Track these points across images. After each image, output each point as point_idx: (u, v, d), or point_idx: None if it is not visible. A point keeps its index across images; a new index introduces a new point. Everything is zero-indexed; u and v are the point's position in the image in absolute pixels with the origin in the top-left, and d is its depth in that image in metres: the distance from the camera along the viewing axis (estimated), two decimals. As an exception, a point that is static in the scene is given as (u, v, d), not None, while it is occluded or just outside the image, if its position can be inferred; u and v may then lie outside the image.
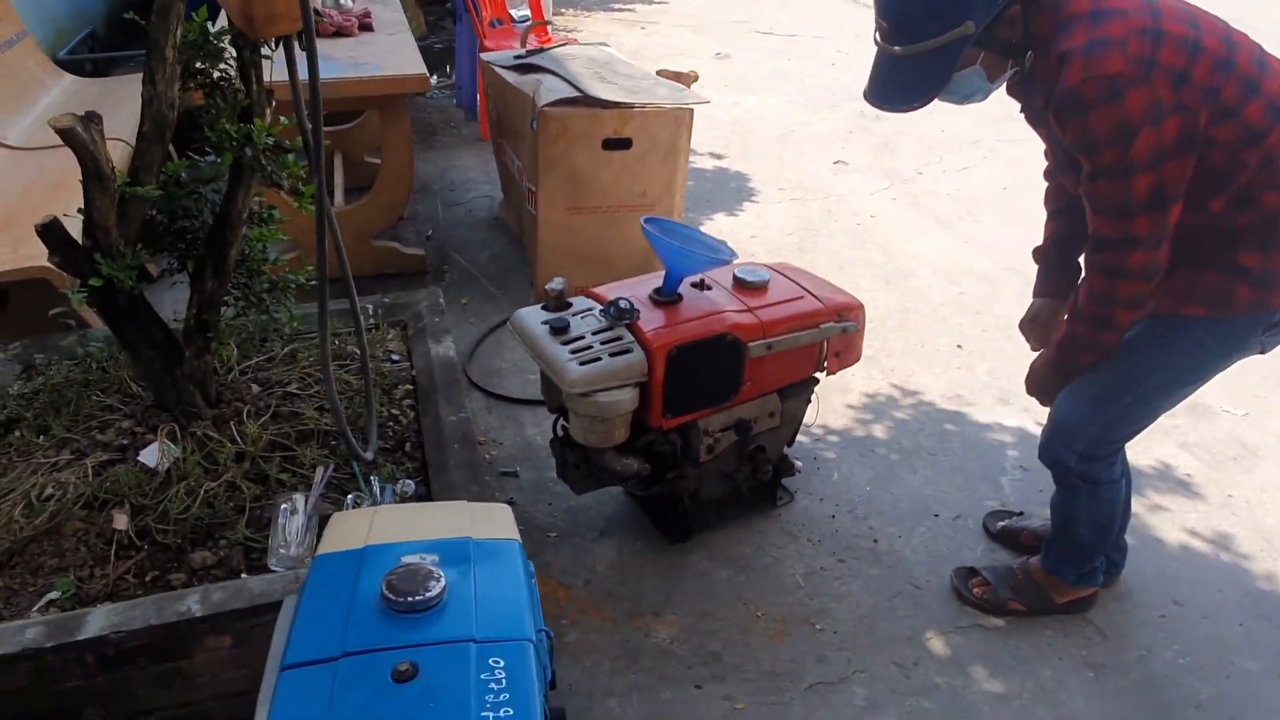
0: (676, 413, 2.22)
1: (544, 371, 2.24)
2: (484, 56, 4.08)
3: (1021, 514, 2.60)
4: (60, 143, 1.86)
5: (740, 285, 2.37)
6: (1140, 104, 1.63)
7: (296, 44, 1.91)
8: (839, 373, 2.51)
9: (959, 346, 3.50)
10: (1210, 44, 1.67)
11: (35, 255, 2.79)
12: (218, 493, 2.11)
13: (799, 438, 2.79)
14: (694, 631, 2.26)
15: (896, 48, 1.74)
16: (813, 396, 2.52)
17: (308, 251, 2.49)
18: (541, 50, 3.93)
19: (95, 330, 2.72)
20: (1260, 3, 7.82)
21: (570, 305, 2.29)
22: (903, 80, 1.77)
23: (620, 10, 8.56)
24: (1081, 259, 2.04)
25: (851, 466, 2.85)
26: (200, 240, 2.21)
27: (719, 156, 5.30)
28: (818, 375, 2.48)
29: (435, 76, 6.15)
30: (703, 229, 2.43)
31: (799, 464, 2.74)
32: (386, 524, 1.61)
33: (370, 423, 2.25)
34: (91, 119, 1.83)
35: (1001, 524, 2.56)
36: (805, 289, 2.41)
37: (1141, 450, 2.86)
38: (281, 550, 2.00)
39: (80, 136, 1.79)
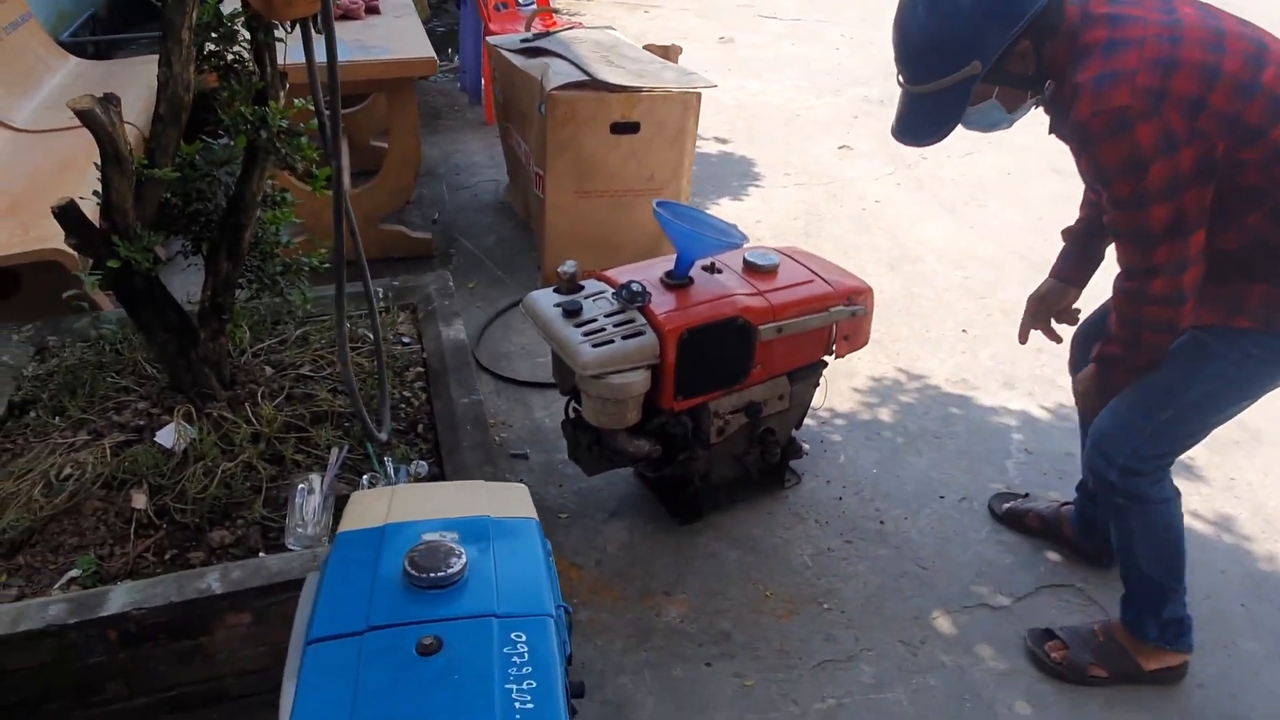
0: (687, 395, 2.24)
1: (556, 354, 2.26)
2: (490, 40, 4.08)
3: (1027, 496, 2.63)
4: (66, 126, 1.88)
5: (750, 269, 2.39)
6: (1150, 136, 1.61)
7: (312, 26, 1.92)
8: (846, 356, 2.53)
9: (964, 331, 3.52)
10: (1231, 67, 1.62)
11: (47, 238, 2.81)
12: (235, 473, 2.14)
13: (806, 421, 2.82)
14: (704, 611, 2.29)
15: (912, 86, 1.81)
16: (821, 380, 2.54)
17: (318, 235, 2.51)
18: (548, 34, 3.93)
19: (108, 313, 2.74)
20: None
21: (582, 288, 2.31)
22: (921, 116, 1.83)
23: (623, -7, 8.53)
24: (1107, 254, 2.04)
25: (858, 449, 2.87)
26: (214, 223, 2.22)
27: (724, 141, 5.30)
28: (826, 359, 2.50)
29: (439, 60, 6.12)
30: (709, 213, 2.43)
31: (806, 447, 2.76)
32: (405, 503, 1.64)
33: (384, 404, 2.27)
34: (110, 100, 1.84)
35: (1007, 506, 2.59)
36: (815, 273, 2.43)
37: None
38: (299, 530, 2.02)
39: (99, 118, 1.80)
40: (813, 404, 2.63)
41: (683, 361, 2.17)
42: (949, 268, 3.94)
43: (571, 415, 2.42)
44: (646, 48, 3.83)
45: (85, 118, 1.80)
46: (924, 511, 2.64)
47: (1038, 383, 3.19)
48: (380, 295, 2.92)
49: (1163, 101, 1.60)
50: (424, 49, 3.55)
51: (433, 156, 4.81)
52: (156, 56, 1.96)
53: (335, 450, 2.21)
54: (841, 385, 3.14)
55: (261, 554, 2.02)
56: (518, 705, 1.25)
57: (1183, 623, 2.09)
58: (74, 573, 1.95)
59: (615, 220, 3.54)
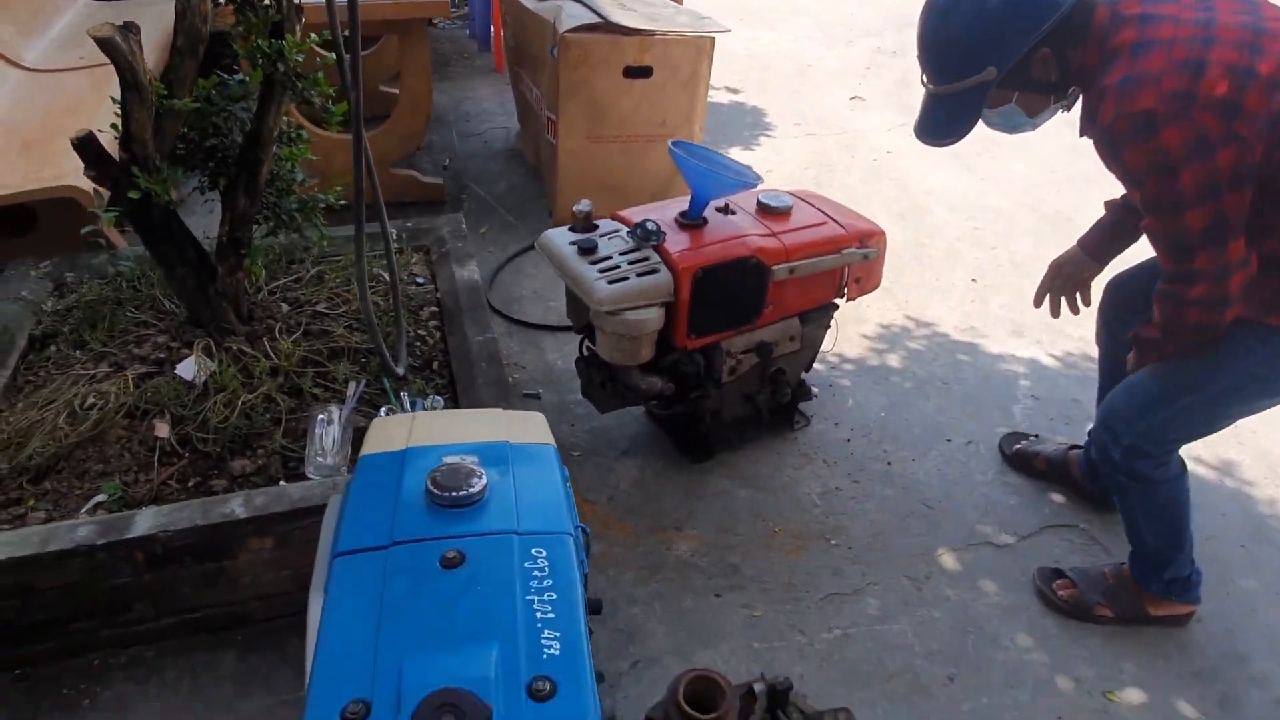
0: (701, 333, 2.27)
1: (571, 291, 2.28)
2: (501, -17, 4.04)
3: (1037, 437, 2.66)
4: (77, 65, 1.87)
5: (764, 210, 2.39)
6: (1178, 140, 1.56)
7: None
8: (855, 303, 2.55)
9: (973, 280, 3.53)
10: (1265, 69, 1.56)
11: (62, 174, 2.82)
12: (254, 405, 2.17)
13: (815, 366, 2.84)
14: (714, 546, 2.34)
15: (932, 86, 1.83)
16: (832, 322, 2.56)
17: (330, 175, 2.52)
18: (560, -23, 3.88)
19: (125, 250, 2.76)
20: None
21: (597, 227, 2.32)
22: (940, 116, 1.85)
23: (633, -58, 8.38)
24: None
25: (866, 394, 2.90)
26: (231, 159, 2.23)
27: (735, 91, 5.26)
28: (837, 301, 2.52)
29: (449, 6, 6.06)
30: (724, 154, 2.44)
31: (816, 390, 2.79)
32: (426, 428, 1.67)
33: (400, 340, 2.30)
34: (130, 29, 1.84)
35: (1017, 447, 2.61)
36: (828, 215, 2.44)
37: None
38: (319, 459, 2.06)
39: (120, 46, 1.81)
40: (823, 348, 2.66)
41: (696, 300, 2.19)
42: (960, 218, 3.93)
43: (585, 353, 2.44)
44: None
45: (105, 45, 1.81)
46: (931, 454, 2.68)
47: (1046, 331, 3.21)
48: (394, 237, 2.94)
49: (1192, 104, 1.55)
50: (435, -11, 3.52)
51: (442, 104, 4.79)
52: (168, -4, 1.96)
53: (353, 384, 2.24)
54: (851, 332, 3.17)
55: (282, 482, 2.06)
56: (539, 614, 1.30)
57: (1188, 579, 2.12)
58: (100, 498, 2.00)
59: (627, 166, 3.54)
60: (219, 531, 1.89)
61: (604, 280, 2.13)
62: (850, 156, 4.52)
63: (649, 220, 2.23)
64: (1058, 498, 2.53)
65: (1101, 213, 2.21)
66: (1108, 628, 2.16)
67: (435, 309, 2.68)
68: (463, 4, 6.13)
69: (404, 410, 2.22)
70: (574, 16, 3.33)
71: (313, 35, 2.21)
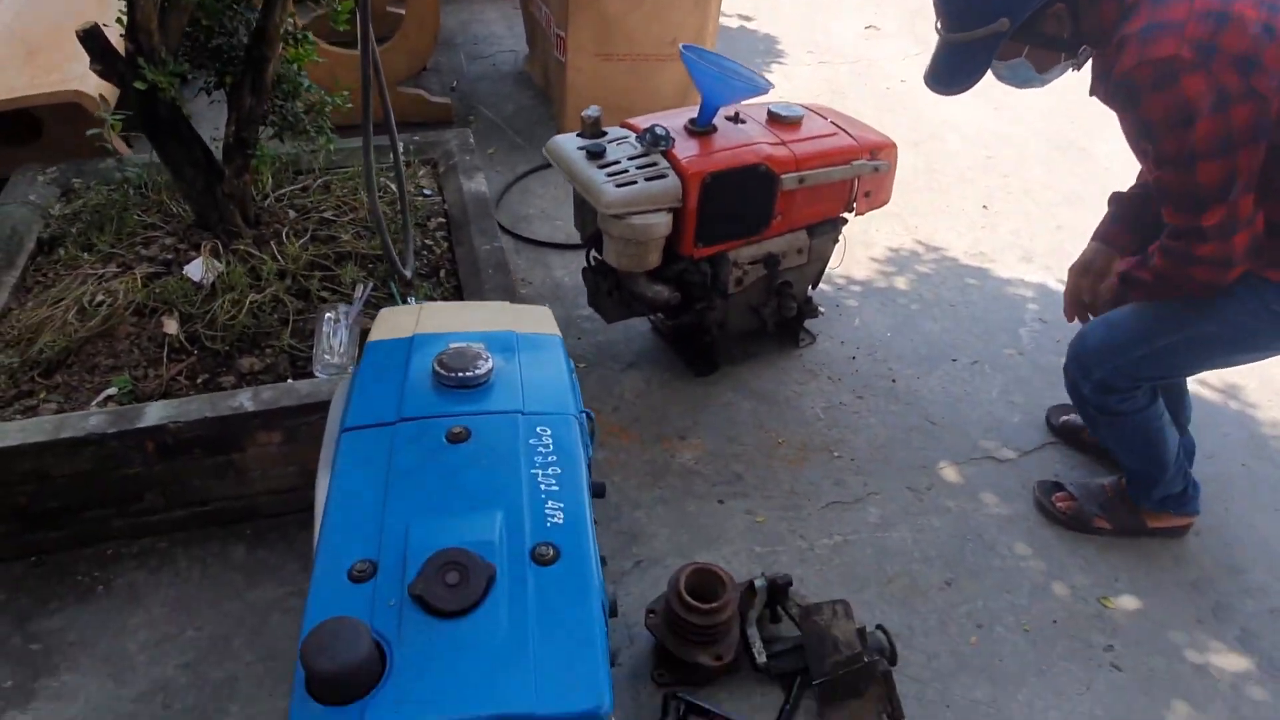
0: (708, 242, 2.26)
1: (578, 197, 2.27)
2: (511, -102, 3.94)
3: None
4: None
5: (775, 120, 2.37)
6: (1198, 89, 1.54)
7: None
8: (863, 227, 2.53)
9: (984, 207, 3.50)
10: None
11: (67, 80, 2.80)
12: (262, 305, 2.18)
13: (822, 286, 2.84)
14: (718, 454, 2.36)
15: (944, 33, 1.81)
16: (840, 238, 2.55)
17: (338, 91, 2.49)
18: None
19: (132, 156, 2.75)
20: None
21: (605, 133, 2.30)
22: (950, 64, 1.82)
23: None
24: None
25: (873, 314, 2.90)
26: (238, 58, 2.21)
27: (747, 18, 5.16)
28: (846, 215, 2.50)
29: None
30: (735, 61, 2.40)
31: (822, 309, 2.79)
32: (433, 317, 1.68)
33: (407, 242, 2.30)
34: (132, -89, 1.81)
35: (1064, 418, 2.51)
36: (839, 126, 2.41)
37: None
38: (326, 358, 2.08)
39: (122, -72, 1.77)
40: (830, 265, 2.65)
41: (704, 206, 2.17)
42: (973, 146, 3.88)
43: (592, 262, 2.44)
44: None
45: (108, -73, 1.78)
46: (936, 372, 2.68)
47: (1055, 256, 3.19)
48: (402, 150, 2.91)
49: (1212, 55, 1.54)
50: (443, -99, 3.44)
51: (450, 26, 4.71)
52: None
53: (360, 286, 2.25)
54: (859, 254, 3.15)
55: (290, 380, 2.08)
56: (543, 486, 1.32)
57: (1183, 494, 2.13)
58: (110, 391, 2.02)
59: (635, 85, 3.49)
60: (228, 424, 1.91)
61: (612, 184, 2.11)
62: (863, 85, 4.44)
63: (658, 125, 2.20)
64: (1065, 416, 2.53)
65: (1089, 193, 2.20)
66: (1105, 539, 2.18)
67: (443, 220, 2.67)
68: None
69: (411, 314, 2.23)
70: (585, -71, 3.26)
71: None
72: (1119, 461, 2.16)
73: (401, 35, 3.64)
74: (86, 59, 2.05)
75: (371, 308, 2.27)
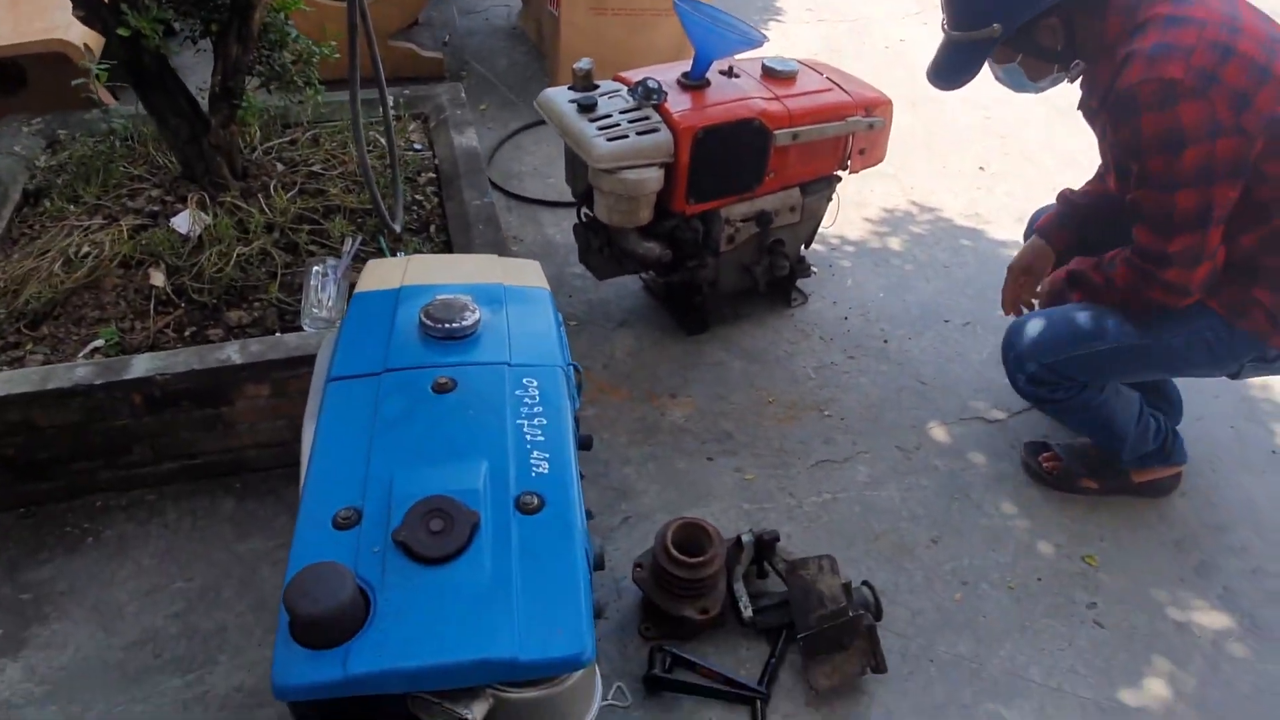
0: (700, 198, 2.24)
1: (570, 152, 2.24)
2: None
3: None
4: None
5: (769, 74, 2.34)
6: (1194, 117, 1.58)
7: None
8: (857, 187, 2.50)
9: (980, 168, 3.47)
10: None
11: (51, 29, 2.75)
12: (250, 258, 2.17)
13: (816, 246, 2.82)
14: (707, 412, 2.36)
15: (947, 29, 1.84)
16: (834, 196, 2.53)
17: (322, 38, 2.45)
18: None
19: (118, 107, 2.72)
20: None
21: (597, 86, 2.26)
22: (948, 61, 1.86)
23: None
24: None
25: (866, 274, 2.89)
26: (224, 4, 2.17)
27: (746, -25, 5.07)
28: (840, 173, 2.48)
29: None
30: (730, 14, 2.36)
31: (815, 269, 2.77)
32: (421, 269, 1.67)
33: (396, 199, 2.28)
34: None
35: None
36: (834, 82, 2.38)
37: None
38: (315, 311, 2.07)
39: None
40: (823, 225, 2.63)
41: (696, 162, 2.15)
42: (971, 108, 3.84)
43: (584, 219, 2.42)
44: None
45: None
46: (928, 333, 2.68)
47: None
48: (392, 104, 2.87)
49: (1212, 86, 1.57)
50: None
51: (443, -21, 4.63)
52: None
53: (349, 239, 2.23)
54: (853, 215, 3.13)
55: (278, 333, 2.07)
56: (529, 436, 1.32)
57: (1160, 450, 2.12)
58: (97, 343, 2.01)
59: (630, 41, 3.44)
60: (215, 376, 1.91)
61: (603, 138, 2.09)
62: (861, 44, 4.39)
63: (650, 79, 2.17)
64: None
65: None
66: (1091, 498, 2.19)
67: (433, 175, 2.64)
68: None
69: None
70: (579, -122, 3.19)
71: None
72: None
73: (393, -15, 3.58)
74: (70, 6, 2.01)
75: (360, 261, 2.25)
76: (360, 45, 1.97)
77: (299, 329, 2.07)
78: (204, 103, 2.27)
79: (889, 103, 2.42)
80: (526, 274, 1.69)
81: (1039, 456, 2.25)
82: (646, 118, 2.15)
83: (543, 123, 2.70)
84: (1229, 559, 2.08)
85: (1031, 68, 1.83)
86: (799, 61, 2.44)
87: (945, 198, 3.29)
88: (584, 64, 2.25)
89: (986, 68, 1.87)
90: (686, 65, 2.28)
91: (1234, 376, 1.96)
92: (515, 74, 3.88)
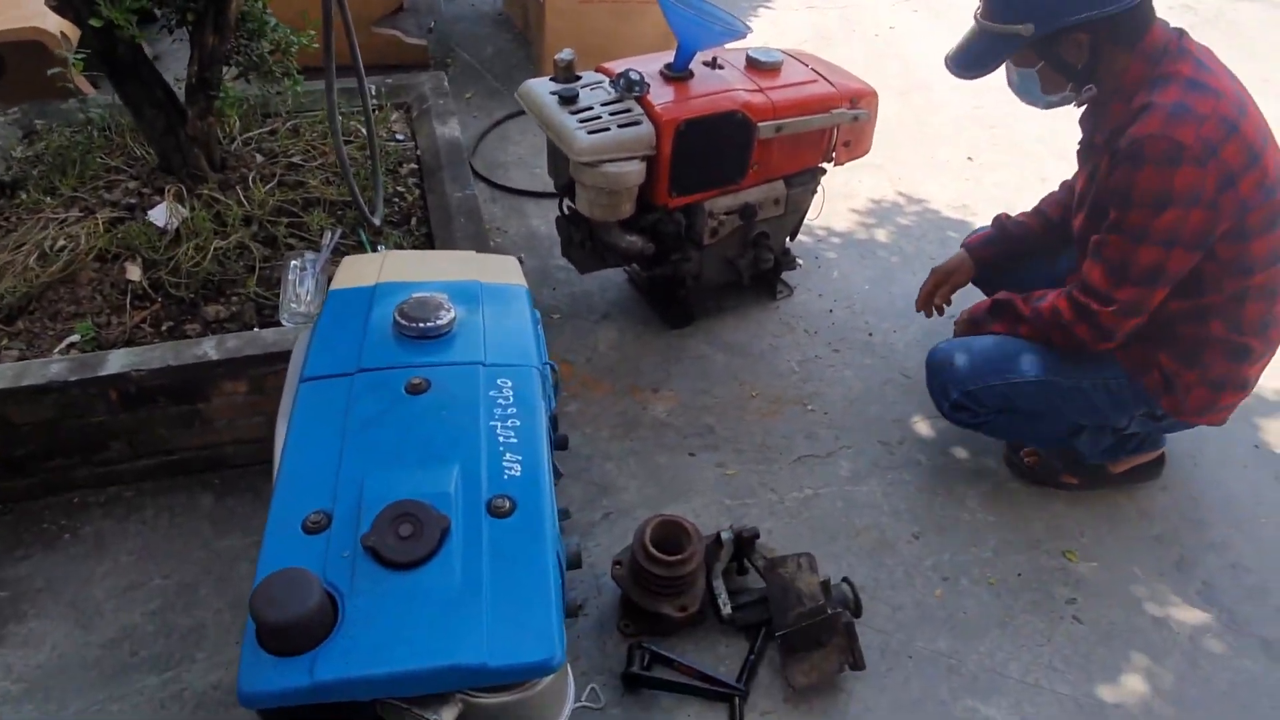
0: (683, 191, 2.22)
1: (551, 143, 2.22)
2: None
3: None
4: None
5: (753, 66, 2.31)
6: (1186, 182, 1.62)
7: None
8: (845, 178, 2.49)
9: (969, 159, 3.46)
10: (1269, 164, 1.68)
11: (27, 17, 2.71)
12: (228, 251, 2.14)
13: (801, 237, 2.81)
14: (690, 407, 2.35)
15: (979, 17, 1.84)
16: (818, 188, 2.51)
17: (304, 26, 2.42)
18: None
19: (96, 96, 2.68)
20: None
21: (579, 78, 2.24)
22: (971, 50, 1.86)
23: None
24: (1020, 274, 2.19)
25: (852, 266, 2.88)
26: (199, -7, 2.13)
27: (736, -39, 5.03)
28: (825, 166, 2.46)
29: None
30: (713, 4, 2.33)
31: (800, 261, 2.76)
32: (398, 266, 1.65)
33: (376, 188, 2.26)
34: None
35: None
36: (819, 73, 2.36)
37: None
38: (293, 306, 2.05)
39: None
40: (809, 216, 2.61)
41: (679, 155, 2.13)
42: (961, 97, 3.82)
43: (566, 212, 2.40)
44: None
45: None
46: (913, 326, 2.67)
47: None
48: (373, 93, 2.85)
49: (1211, 159, 1.62)
50: None
51: (429, -35, 4.58)
52: None
53: (328, 233, 2.21)
54: (840, 206, 3.11)
55: (256, 329, 2.05)
56: (502, 438, 1.31)
57: (1118, 444, 2.10)
58: (73, 338, 1.99)
59: (617, 29, 3.41)
60: (191, 373, 1.89)
61: (584, 130, 2.07)
62: (852, 31, 4.36)
63: (632, 70, 2.15)
64: (1036, 371, 2.53)
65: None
66: (1072, 493, 2.19)
67: (415, 166, 2.62)
68: None
69: (380, 262, 2.20)
70: None
71: None
72: None
73: (376, -28, 3.54)
74: (43, -6, 1.98)
75: (340, 255, 2.23)
76: (339, 34, 1.94)
77: (277, 324, 2.05)
78: (181, 93, 2.24)
79: (874, 94, 2.40)
80: (504, 270, 1.68)
81: (1021, 452, 2.25)
82: (628, 110, 2.13)
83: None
84: (1209, 554, 2.09)
85: (1048, 79, 1.82)
86: (784, 52, 2.42)
87: (933, 189, 3.28)
88: (565, 55, 2.22)
89: (1002, 69, 1.86)
90: (670, 56, 2.26)
91: (1124, 429, 2.03)
92: (501, 61, 3.85)
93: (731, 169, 2.26)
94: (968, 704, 1.76)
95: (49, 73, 2.44)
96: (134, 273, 2.08)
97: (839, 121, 2.32)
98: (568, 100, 2.14)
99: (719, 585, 1.83)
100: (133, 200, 2.25)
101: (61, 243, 2.11)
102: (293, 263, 2.07)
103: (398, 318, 1.45)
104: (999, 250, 2.25)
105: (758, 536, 1.88)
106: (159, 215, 2.18)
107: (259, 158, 2.44)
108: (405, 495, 1.18)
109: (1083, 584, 1.99)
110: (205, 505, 2.02)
